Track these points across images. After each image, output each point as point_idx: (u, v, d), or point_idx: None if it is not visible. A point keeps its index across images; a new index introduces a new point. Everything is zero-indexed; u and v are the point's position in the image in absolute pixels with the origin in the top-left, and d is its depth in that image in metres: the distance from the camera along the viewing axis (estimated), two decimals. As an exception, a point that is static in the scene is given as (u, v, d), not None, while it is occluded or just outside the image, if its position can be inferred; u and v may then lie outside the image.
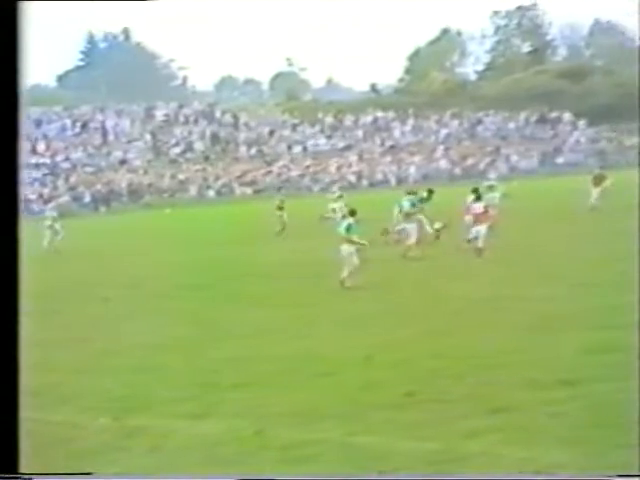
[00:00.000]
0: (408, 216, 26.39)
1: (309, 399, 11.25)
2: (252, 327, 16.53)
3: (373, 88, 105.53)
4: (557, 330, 14.37)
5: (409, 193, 28.27)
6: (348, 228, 21.04)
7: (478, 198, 25.72)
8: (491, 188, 31.60)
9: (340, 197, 34.29)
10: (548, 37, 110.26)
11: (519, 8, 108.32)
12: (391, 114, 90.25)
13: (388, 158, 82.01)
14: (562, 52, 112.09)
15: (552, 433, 9.32)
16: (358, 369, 12.69)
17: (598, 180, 36.98)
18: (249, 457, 9.32)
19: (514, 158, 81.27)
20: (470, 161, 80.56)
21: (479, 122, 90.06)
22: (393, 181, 75.66)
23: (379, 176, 77.38)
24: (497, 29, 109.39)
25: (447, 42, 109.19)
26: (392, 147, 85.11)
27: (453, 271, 22.62)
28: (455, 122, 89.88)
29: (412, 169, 79.21)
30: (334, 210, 32.24)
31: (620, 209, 33.60)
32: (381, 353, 13.57)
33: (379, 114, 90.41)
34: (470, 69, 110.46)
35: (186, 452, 9.61)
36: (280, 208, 37.17)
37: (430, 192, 29.64)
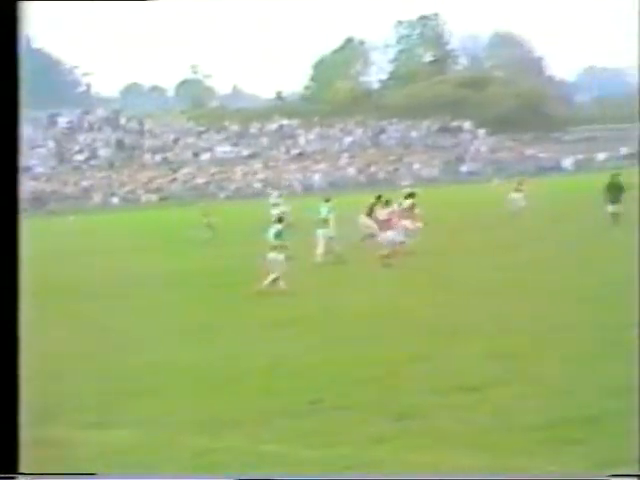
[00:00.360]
0: (324, 223, 26.92)
1: (215, 407, 11.25)
2: (159, 335, 16.57)
3: (278, 96, 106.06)
4: (461, 336, 14.57)
5: (326, 201, 28.81)
6: (277, 235, 21.22)
7: (386, 204, 26.04)
8: (411, 195, 32.60)
9: (276, 205, 35.13)
10: (449, 47, 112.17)
11: (421, 18, 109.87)
12: (296, 122, 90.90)
13: (293, 165, 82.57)
14: (463, 62, 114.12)
15: (458, 438, 9.43)
16: (265, 376, 12.71)
17: (520, 187, 37.98)
18: (155, 466, 9.27)
19: (417, 166, 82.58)
20: (374, 169, 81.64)
21: (383, 130, 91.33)
22: (299, 188, 76.23)
23: (284, 183, 77.85)
24: (400, 39, 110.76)
25: (351, 51, 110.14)
26: (298, 155, 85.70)
27: (364, 278, 22.87)
28: (359, 130, 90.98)
29: (317, 177, 79.91)
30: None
31: (534, 217, 34.67)
32: (288, 360, 13.64)
33: (284, 122, 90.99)
34: (374, 78, 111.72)
35: (92, 462, 9.46)
36: (205, 215, 37.55)
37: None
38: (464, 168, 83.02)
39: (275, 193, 45.40)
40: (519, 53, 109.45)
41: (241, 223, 36.54)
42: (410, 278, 22.29)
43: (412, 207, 28.47)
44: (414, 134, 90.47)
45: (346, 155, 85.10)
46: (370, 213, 29.07)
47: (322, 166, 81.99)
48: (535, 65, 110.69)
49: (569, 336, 13.91)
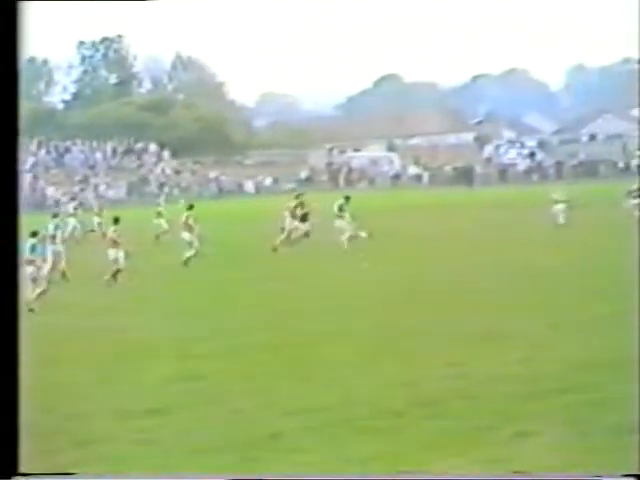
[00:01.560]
0: (52, 239, 26.81)
1: None
2: None
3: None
4: (143, 359, 14.82)
5: (54, 216, 28.76)
6: (32, 249, 21.50)
7: (115, 222, 26.02)
8: (160, 214, 36.34)
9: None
10: (134, 69, 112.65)
11: (104, 40, 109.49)
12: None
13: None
14: (147, 85, 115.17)
15: (142, 461, 9.68)
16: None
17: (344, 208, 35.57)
18: None
19: (102, 188, 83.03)
20: (60, 190, 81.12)
21: (67, 151, 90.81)
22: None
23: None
24: (83, 59, 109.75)
25: (33, 70, 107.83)
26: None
27: (93, 296, 23.01)
28: (42, 151, 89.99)
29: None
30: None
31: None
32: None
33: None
34: (57, 98, 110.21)
35: None
36: None
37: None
38: (148, 189, 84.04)
39: (71, 204, 44.68)
40: (200, 77, 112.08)
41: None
42: (117, 298, 22.66)
43: (188, 219, 28.56)
44: (99, 155, 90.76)
45: (29, 176, 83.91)
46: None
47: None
48: (217, 89, 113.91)
49: (254, 357, 14.52)
